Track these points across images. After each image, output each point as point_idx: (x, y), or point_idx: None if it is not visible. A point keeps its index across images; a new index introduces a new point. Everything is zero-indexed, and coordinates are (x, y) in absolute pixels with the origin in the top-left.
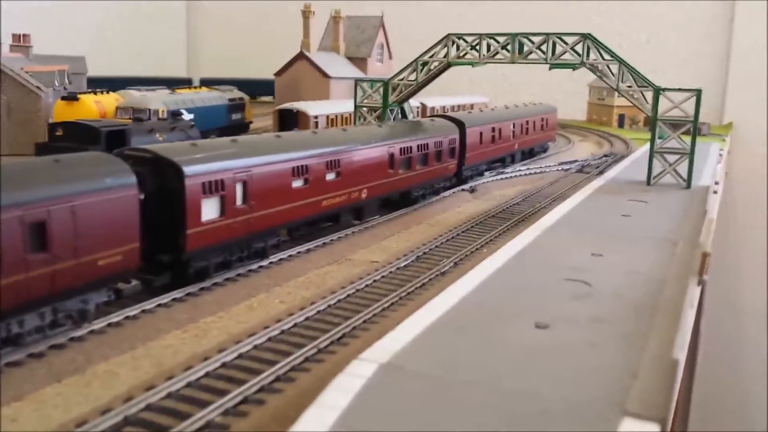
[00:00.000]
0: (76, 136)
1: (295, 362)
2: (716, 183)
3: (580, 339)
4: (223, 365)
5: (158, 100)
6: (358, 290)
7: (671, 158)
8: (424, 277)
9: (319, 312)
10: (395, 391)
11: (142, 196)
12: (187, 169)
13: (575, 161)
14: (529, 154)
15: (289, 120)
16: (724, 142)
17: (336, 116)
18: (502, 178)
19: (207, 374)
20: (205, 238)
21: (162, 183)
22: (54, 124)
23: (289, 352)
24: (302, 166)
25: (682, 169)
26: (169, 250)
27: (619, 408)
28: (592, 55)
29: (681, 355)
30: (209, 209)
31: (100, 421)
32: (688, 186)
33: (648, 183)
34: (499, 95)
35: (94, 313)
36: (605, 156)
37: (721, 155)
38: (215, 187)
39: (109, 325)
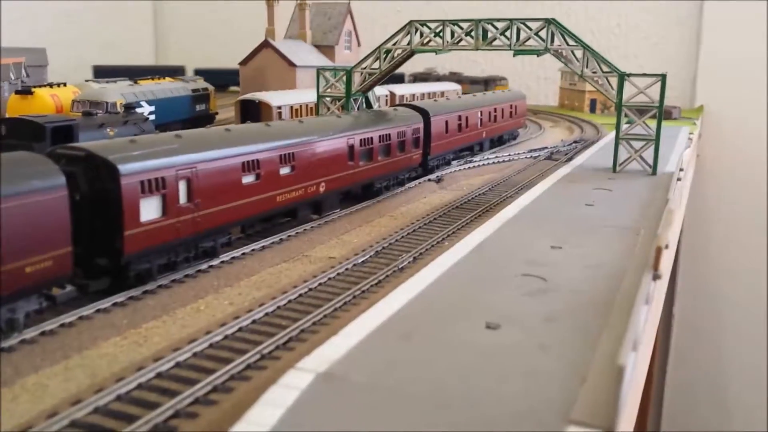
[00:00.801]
0: (19, 134)
1: (234, 370)
2: (681, 170)
3: (531, 340)
4: (158, 375)
5: (117, 92)
6: (311, 289)
7: (637, 145)
8: (381, 274)
9: (267, 314)
10: (332, 404)
11: (77, 197)
12: (123, 168)
13: (544, 148)
14: (498, 141)
15: (251, 111)
16: (694, 125)
17: (301, 106)
18: (469, 167)
19: (139, 386)
20: (145, 239)
21: (96, 183)
22: None
23: (230, 359)
24: (253, 160)
25: (649, 155)
26: (106, 254)
27: (563, 416)
28: (557, 41)
29: (628, 359)
30: (149, 209)
31: None
32: (654, 172)
33: (614, 170)
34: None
35: (24, 322)
36: (575, 142)
37: (690, 139)
38: (155, 186)
39: (42, 333)
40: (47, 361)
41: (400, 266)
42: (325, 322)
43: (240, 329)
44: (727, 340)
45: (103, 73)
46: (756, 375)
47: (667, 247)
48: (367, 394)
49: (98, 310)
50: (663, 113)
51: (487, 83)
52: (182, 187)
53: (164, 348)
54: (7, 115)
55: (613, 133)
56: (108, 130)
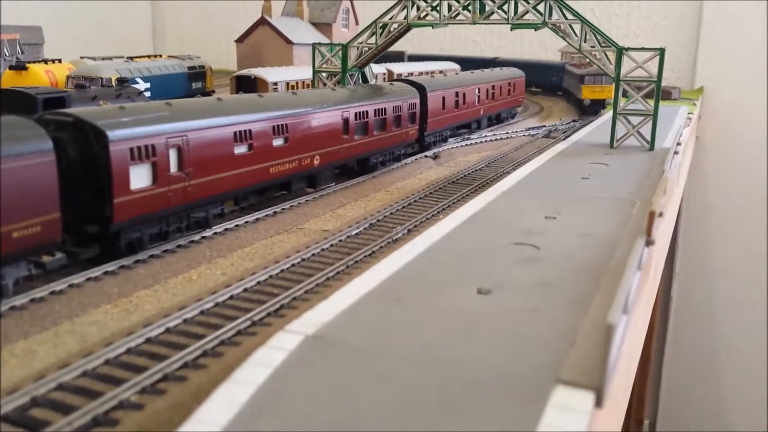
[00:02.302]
0: (11, 105)
1: (224, 336)
2: (678, 144)
3: (523, 305)
4: (148, 341)
5: (111, 69)
6: (303, 259)
7: (635, 120)
8: (374, 245)
9: (258, 283)
10: (318, 364)
11: (65, 163)
12: (112, 134)
13: (543, 126)
14: (496, 119)
15: (247, 87)
16: (694, 105)
17: (297, 83)
18: (467, 145)
19: (128, 350)
20: (135, 207)
21: (85, 149)
22: None
23: (221, 325)
24: (245, 130)
25: (647, 131)
26: (96, 221)
27: (553, 376)
28: (555, 15)
29: (617, 319)
30: (139, 177)
31: (6, 401)
32: (652, 148)
33: (611, 146)
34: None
35: (14, 289)
36: (573, 120)
37: (689, 119)
38: (145, 153)
39: (32, 300)
40: (36, 327)
41: (393, 238)
42: (317, 291)
43: (231, 297)
44: (725, 320)
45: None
46: (754, 355)
47: (661, 215)
48: (355, 355)
49: (89, 279)
50: (663, 93)
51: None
52: (173, 155)
53: (155, 315)
54: None
55: (610, 112)
56: (101, 102)
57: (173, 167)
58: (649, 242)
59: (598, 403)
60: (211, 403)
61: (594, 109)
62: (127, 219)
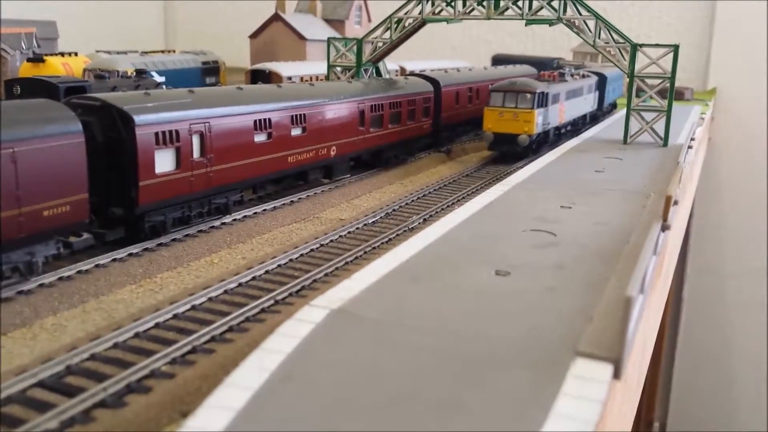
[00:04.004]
0: (34, 93)
1: (249, 313)
2: (692, 139)
3: (540, 285)
4: (175, 316)
5: (127, 62)
6: (322, 245)
7: (648, 116)
8: (391, 233)
9: (279, 266)
10: (343, 335)
11: (92, 146)
12: (138, 118)
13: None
14: None
15: (262, 81)
16: (706, 106)
17: (311, 77)
18: (481, 140)
19: (157, 325)
20: (159, 191)
21: (112, 132)
22: (11, 80)
23: (245, 303)
24: (265, 119)
25: (660, 127)
26: (121, 204)
27: (572, 349)
28: (569, 11)
29: (635, 292)
30: (163, 161)
31: (41, 369)
32: (665, 144)
33: (625, 141)
34: (482, 62)
35: (43, 267)
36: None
37: (702, 119)
38: (170, 138)
39: (60, 279)
40: (65, 304)
41: (410, 226)
42: (336, 274)
43: (254, 278)
44: (736, 320)
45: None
46: (765, 356)
47: (676, 202)
48: (377, 328)
49: (114, 260)
50: (676, 93)
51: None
52: (195, 141)
53: (179, 294)
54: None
55: (624, 109)
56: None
57: (196, 153)
58: (665, 227)
59: (617, 374)
60: (243, 369)
61: (505, 151)
62: (151, 202)
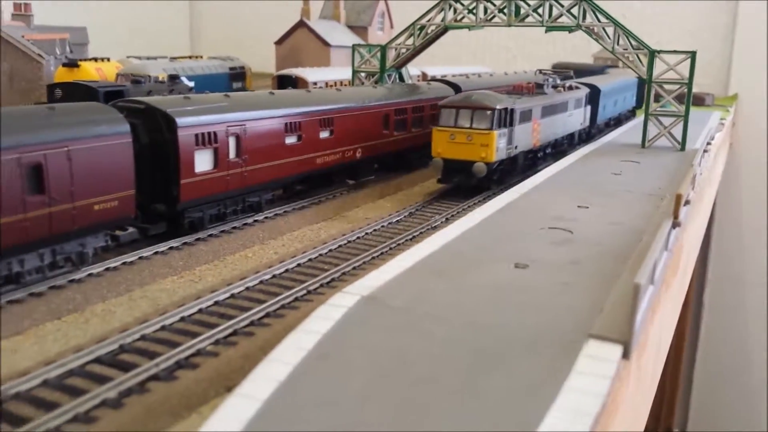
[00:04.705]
0: (74, 96)
1: (284, 301)
2: (708, 143)
3: (556, 278)
4: (216, 303)
5: (159, 67)
6: (349, 242)
7: (666, 121)
8: (415, 231)
9: (310, 260)
10: (373, 320)
11: (137, 147)
12: (180, 121)
13: None
14: None
15: (288, 86)
16: (727, 112)
17: (335, 82)
18: None
19: (200, 310)
20: (199, 189)
21: (156, 134)
22: (53, 84)
23: (279, 292)
24: (295, 122)
25: (678, 132)
26: (164, 200)
27: (584, 334)
28: (588, 18)
29: (644, 279)
30: (203, 161)
31: (98, 347)
32: (683, 148)
33: (642, 145)
34: (501, 68)
35: (92, 257)
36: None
37: (722, 124)
38: (208, 140)
39: (107, 269)
40: (113, 292)
41: (432, 225)
42: (363, 268)
43: (287, 270)
44: (757, 327)
45: None
46: None
47: (688, 202)
48: (403, 314)
49: (156, 252)
50: (696, 99)
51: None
52: (232, 142)
53: (218, 284)
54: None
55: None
56: (156, 96)
57: (232, 153)
58: (675, 224)
59: (626, 355)
60: (283, 346)
61: (458, 182)
62: (191, 199)
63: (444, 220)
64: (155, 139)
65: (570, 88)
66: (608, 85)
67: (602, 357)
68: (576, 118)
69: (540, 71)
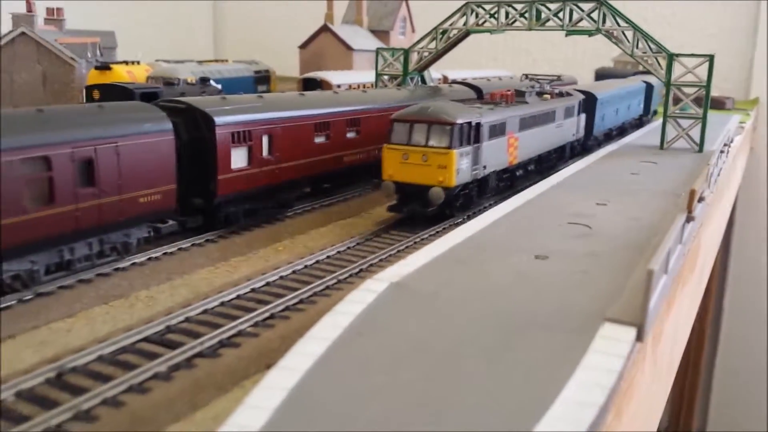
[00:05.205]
0: (111, 97)
1: (316, 288)
2: (725, 145)
3: (575, 268)
4: (253, 290)
5: (187, 71)
6: (376, 236)
7: (684, 123)
8: (438, 227)
9: (339, 252)
10: (402, 303)
11: (178, 144)
12: (218, 120)
13: None
14: None
15: (312, 88)
16: (747, 116)
17: (358, 85)
18: None
19: (238, 296)
20: (234, 184)
21: (195, 132)
22: (91, 86)
23: (311, 281)
24: (324, 122)
25: (696, 134)
26: (202, 195)
27: (600, 317)
28: (608, 22)
29: (657, 266)
30: (238, 158)
31: (145, 328)
32: (701, 150)
33: (661, 147)
34: (523, 71)
35: (136, 247)
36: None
37: (742, 127)
38: (243, 138)
39: (149, 259)
40: (155, 280)
41: (455, 221)
42: (390, 260)
43: (317, 261)
44: None
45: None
46: None
47: (702, 199)
48: (430, 299)
49: (194, 244)
50: (717, 103)
51: None
52: (265, 141)
53: (253, 274)
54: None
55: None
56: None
57: (265, 151)
58: (689, 218)
59: (639, 337)
60: (320, 325)
61: (412, 210)
62: (227, 194)
63: (465, 217)
64: (195, 136)
65: (560, 94)
66: (607, 91)
67: (617, 338)
68: (567, 129)
69: (526, 76)
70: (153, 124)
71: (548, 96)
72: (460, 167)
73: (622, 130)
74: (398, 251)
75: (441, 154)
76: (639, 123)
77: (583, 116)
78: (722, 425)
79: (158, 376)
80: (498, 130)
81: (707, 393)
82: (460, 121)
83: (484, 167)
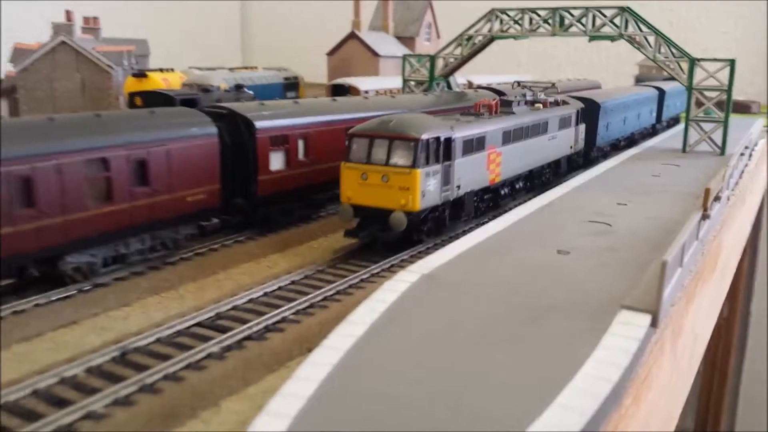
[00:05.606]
0: (153, 104)
1: (352, 281)
2: (746, 147)
3: (594, 262)
4: (292, 282)
5: (219, 78)
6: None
7: (707, 127)
8: (465, 227)
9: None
10: (432, 292)
11: (221, 146)
12: (258, 124)
13: None
14: None
15: (341, 94)
16: None
17: (385, 91)
18: None
19: (279, 288)
20: (273, 185)
21: (237, 136)
22: (134, 93)
23: (346, 275)
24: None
25: (718, 137)
26: (243, 195)
27: (618, 305)
28: (630, 28)
29: (671, 257)
30: (276, 160)
31: (196, 315)
32: (723, 153)
33: (683, 150)
34: (547, 75)
35: (184, 243)
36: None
37: (767, 131)
38: (281, 141)
39: (196, 254)
40: (201, 274)
41: (482, 222)
42: (420, 256)
43: (352, 257)
44: None
45: None
46: None
47: (718, 198)
48: (457, 287)
49: (235, 241)
50: (742, 107)
51: None
52: (301, 144)
53: (291, 268)
54: (123, 94)
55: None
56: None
57: (300, 154)
58: (705, 216)
59: (654, 323)
60: (359, 311)
61: (373, 236)
62: (266, 194)
63: (491, 216)
64: (236, 140)
65: (556, 103)
66: (612, 98)
67: (632, 323)
68: (562, 141)
69: (518, 83)
70: (199, 128)
71: (540, 105)
72: (427, 188)
73: (631, 141)
74: (427, 248)
75: (403, 174)
76: (652, 131)
77: (582, 126)
78: (749, 428)
79: (212, 355)
80: (476, 145)
81: (735, 398)
82: (426, 136)
83: (458, 187)
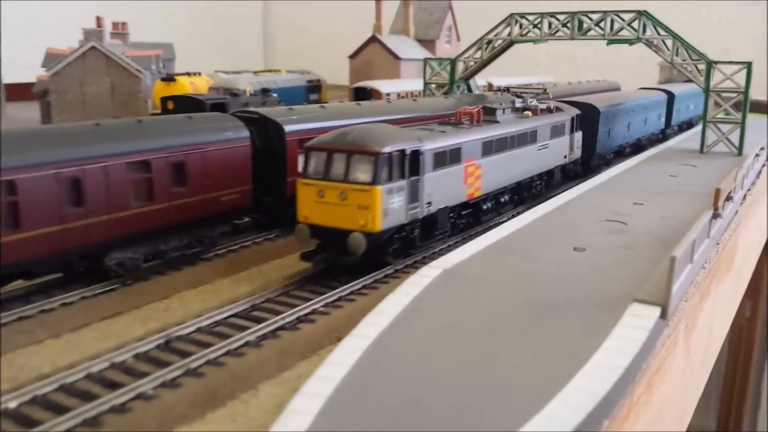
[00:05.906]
0: (184, 108)
1: (377, 277)
2: (762, 148)
3: (610, 259)
4: (322, 276)
5: (245, 81)
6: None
7: (724, 128)
8: (483, 227)
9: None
10: (453, 286)
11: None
12: (288, 128)
13: None
14: None
15: (363, 97)
16: None
17: (406, 93)
18: None
19: (309, 282)
20: None
21: (267, 139)
22: (166, 97)
23: (371, 272)
24: None
25: (736, 138)
26: (273, 195)
27: (630, 298)
28: (648, 31)
29: (680, 253)
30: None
31: (232, 307)
32: (740, 153)
33: (701, 151)
34: (567, 77)
35: (218, 241)
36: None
37: None
38: None
39: (229, 251)
40: (234, 270)
41: (499, 221)
42: (442, 253)
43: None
44: None
45: None
46: None
47: (729, 198)
48: (477, 281)
49: (266, 239)
50: (762, 106)
51: None
52: None
53: None
54: (152, 98)
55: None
56: (251, 107)
57: None
58: (716, 214)
59: (663, 315)
60: (385, 303)
61: (330, 259)
62: (294, 194)
63: (510, 216)
64: (267, 143)
65: (548, 110)
66: (614, 103)
67: (643, 315)
68: (555, 150)
69: (507, 89)
70: (233, 132)
71: (529, 113)
72: (390, 207)
73: (637, 147)
74: (448, 246)
75: (362, 192)
76: (661, 137)
77: (578, 134)
78: None
79: (249, 343)
80: (450, 158)
81: (757, 398)
82: (388, 149)
83: (428, 204)
